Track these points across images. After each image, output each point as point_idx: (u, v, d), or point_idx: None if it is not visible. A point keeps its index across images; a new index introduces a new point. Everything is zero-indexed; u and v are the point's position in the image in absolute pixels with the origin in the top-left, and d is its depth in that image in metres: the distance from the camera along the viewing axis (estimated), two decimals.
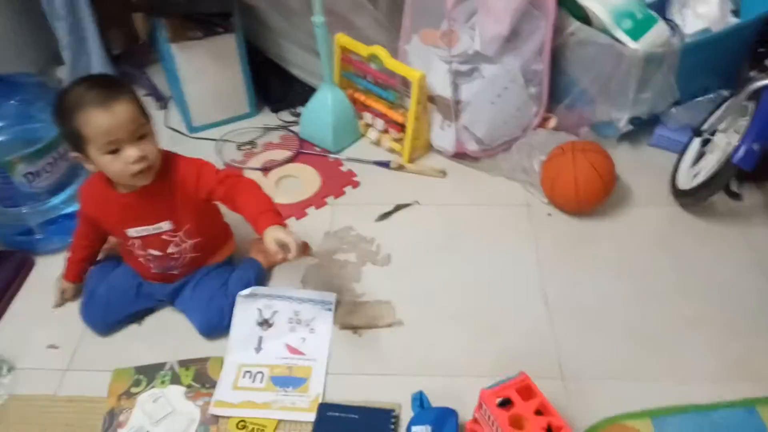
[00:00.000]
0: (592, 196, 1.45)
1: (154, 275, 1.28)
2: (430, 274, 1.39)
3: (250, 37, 1.78)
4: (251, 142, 1.78)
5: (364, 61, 1.66)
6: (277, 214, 1.16)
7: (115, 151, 1.05)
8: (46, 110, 1.35)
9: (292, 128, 1.83)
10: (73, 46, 1.79)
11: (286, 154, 1.74)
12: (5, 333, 1.31)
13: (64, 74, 1.86)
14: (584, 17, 1.58)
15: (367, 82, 1.70)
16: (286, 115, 1.88)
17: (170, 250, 1.23)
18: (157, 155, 1.11)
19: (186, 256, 1.26)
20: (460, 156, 1.66)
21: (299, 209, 1.56)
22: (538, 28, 1.57)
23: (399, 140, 1.68)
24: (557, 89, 1.67)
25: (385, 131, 1.71)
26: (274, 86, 1.90)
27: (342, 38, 1.66)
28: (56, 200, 1.42)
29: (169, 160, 1.17)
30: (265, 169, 1.68)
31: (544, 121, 1.69)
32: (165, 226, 1.19)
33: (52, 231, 1.45)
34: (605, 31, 1.54)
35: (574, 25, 1.57)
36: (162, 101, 1.90)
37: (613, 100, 1.60)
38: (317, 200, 1.59)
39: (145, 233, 1.19)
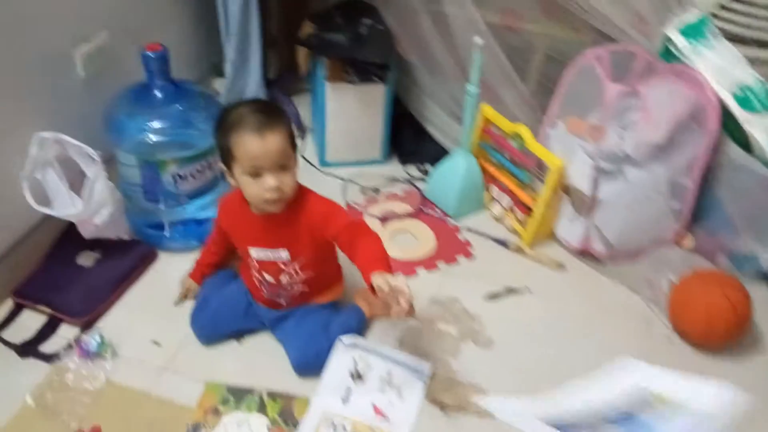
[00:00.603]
0: (722, 332, 1.35)
1: (263, 299, 1.31)
2: (531, 371, 1.33)
3: (396, 89, 1.84)
4: (375, 189, 1.81)
5: (504, 137, 1.66)
6: (390, 267, 1.16)
7: (256, 175, 1.11)
8: (205, 121, 1.45)
9: (417, 184, 1.84)
10: (236, 64, 1.91)
11: (407, 208, 1.75)
12: (115, 319, 1.37)
13: (221, 87, 1.99)
14: (745, 143, 1.50)
15: (502, 156, 1.69)
16: (412, 170, 1.91)
17: (282, 279, 1.26)
18: (292, 188, 1.15)
19: (296, 288, 1.28)
20: (582, 253, 1.61)
21: (409, 267, 1.56)
22: (693, 143, 1.51)
23: (522, 222, 1.65)
24: (700, 209, 1.59)
25: (510, 210, 1.69)
26: (408, 139, 1.93)
27: (488, 110, 1.67)
28: (193, 205, 1.50)
29: (303, 194, 1.21)
30: (384, 219, 1.70)
31: (680, 239, 1.61)
32: (283, 254, 1.22)
33: (180, 232, 1.53)
34: (766, 162, 1.46)
35: (733, 148, 1.50)
36: (301, 131, 1.99)
37: (761, 235, 1.50)
38: (429, 262, 1.58)
39: (263, 257, 1.23)
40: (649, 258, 1.58)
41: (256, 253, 1.23)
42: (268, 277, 1.26)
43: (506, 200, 1.68)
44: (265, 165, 1.10)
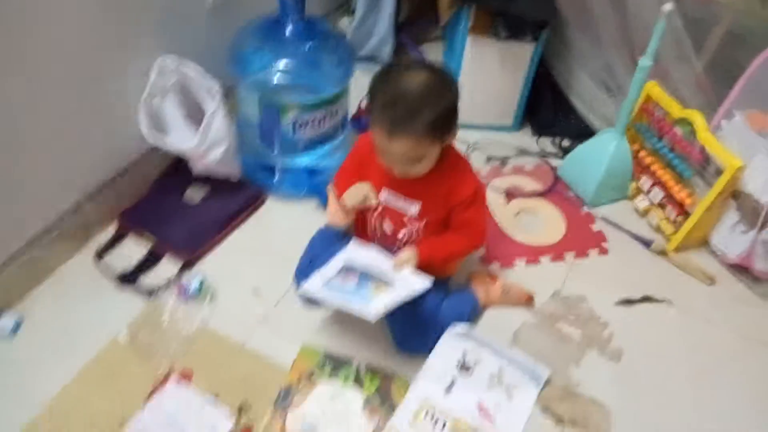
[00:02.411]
0: None
1: None
2: (664, 397, 1.15)
3: (544, 52, 1.62)
4: (503, 159, 1.63)
5: (669, 122, 1.42)
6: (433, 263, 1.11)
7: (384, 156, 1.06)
8: (334, 65, 1.34)
9: (551, 161, 1.65)
10: (368, 2, 1.77)
11: (536, 186, 1.57)
12: (218, 261, 1.31)
13: (347, 26, 1.86)
14: None
15: (662, 144, 1.46)
16: (547, 144, 1.71)
17: (400, 234, 1.16)
18: (424, 171, 1.07)
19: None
20: (739, 269, 1.38)
21: (533, 253, 1.39)
22: None
23: (673, 222, 1.43)
24: None
25: (660, 206, 1.46)
26: (546, 109, 1.73)
27: (653, 88, 1.44)
28: (307, 155, 1.40)
29: (459, 164, 1.13)
30: (509, 195, 1.53)
31: None
32: (413, 209, 1.12)
33: (289, 179, 1.44)
34: None
35: None
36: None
37: None
38: (556, 251, 1.41)
39: (393, 203, 1.13)
40: None
41: (386, 196, 1.13)
42: (387, 226, 1.16)
43: (657, 194, 1.46)
44: (394, 158, 1.04)
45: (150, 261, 1.28)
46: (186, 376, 1.09)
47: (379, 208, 1.15)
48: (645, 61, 1.30)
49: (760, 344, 1.26)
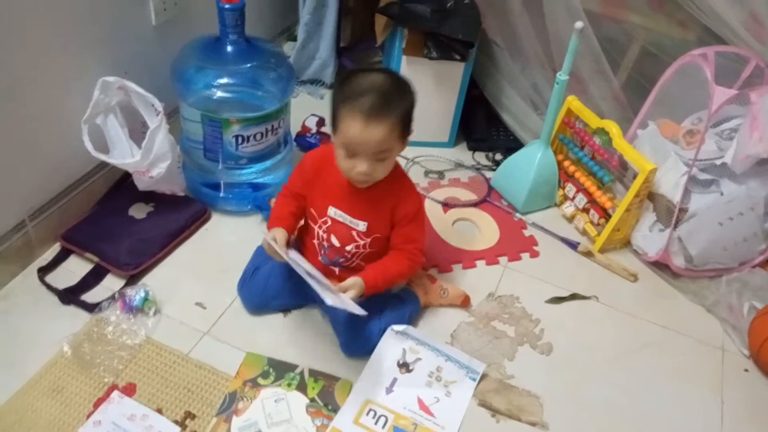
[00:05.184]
0: None
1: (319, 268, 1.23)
2: (591, 386, 1.23)
3: (474, 71, 1.73)
4: (440, 173, 1.71)
5: (588, 132, 1.54)
6: (372, 288, 1.15)
7: (351, 155, 1.06)
8: (275, 83, 1.39)
9: (484, 173, 1.74)
10: (310, 27, 1.84)
11: (472, 197, 1.65)
12: (163, 276, 1.33)
13: (290, 50, 1.92)
14: None
15: (583, 153, 1.57)
16: (481, 157, 1.80)
17: (348, 247, 1.19)
18: (384, 174, 1.11)
19: (355, 260, 1.22)
20: (659, 265, 1.48)
21: (470, 258, 1.47)
22: None
23: (596, 225, 1.53)
24: None
25: (584, 210, 1.57)
26: (479, 125, 1.82)
27: (573, 102, 1.55)
28: (251, 169, 1.44)
29: (401, 179, 1.19)
30: (446, 205, 1.61)
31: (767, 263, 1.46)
32: (361, 225, 1.17)
33: (235, 195, 1.47)
34: None
35: None
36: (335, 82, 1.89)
37: None
38: (490, 256, 1.48)
39: (341, 219, 1.17)
40: (731, 279, 1.44)
41: (335, 213, 1.17)
42: (335, 239, 1.20)
43: (581, 200, 1.56)
44: (361, 152, 1.05)
45: (94, 277, 1.28)
46: (129, 388, 1.10)
47: (328, 222, 1.19)
48: (562, 76, 1.41)
49: (677, 334, 1.36)
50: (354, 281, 1.12)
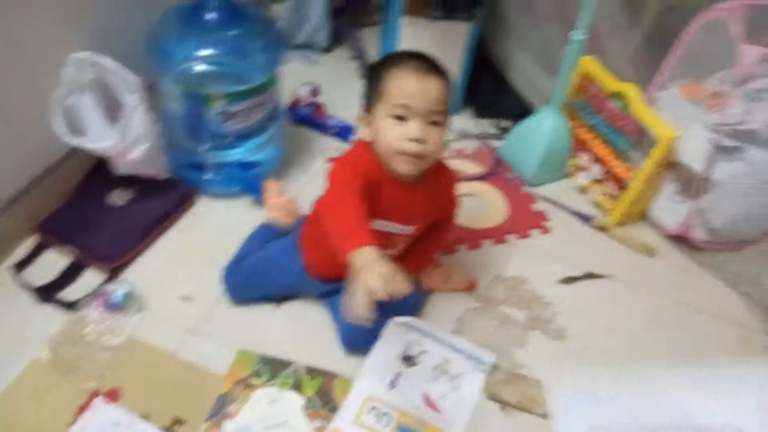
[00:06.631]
0: None
1: (319, 271, 1.14)
2: (607, 371, 1.14)
3: (482, 32, 1.59)
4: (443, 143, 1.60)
5: (604, 96, 1.41)
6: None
7: (401, 119, 0.96)
8: (262, 51, 1.27)
9: (491, 142, 1.62)
10: None
11: (477, 169, 1.54)
12: (145, 269, 1.24)
13: (280, 13, 1.79)
14: None
15: (599, 120, 1.45)
16: (488, 125, 1.68)
17: (387, 251, 1.05)
18: (436, 150, 0.99)
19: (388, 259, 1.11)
20: (679, 239, 1.38)
21: (474, 237, 1.37)
22: None
23: (612, 197, 1.43)
24: None
25: (599, 181, 1.46)
26: (486, 90, 1.70)
27: (589, 63, 1.42)
28: (239, 148, 1.33)
29: (442, 163, 1.10)
30: None
31: None
32: (409, 229, 1.07)
33: (221, 175, 1.37)
34: None
35: None
36: (365, 70, 1.77)
37: None
38: (497, 234, 1.39)
39: (385, 229, 1.04)
40: (756, 252, 1.35)
41: (379, 224, 1.03)
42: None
43: (596, 170, 1.45)
44: (418, 108, 0.94)
45: (72, 272, 1.20)
46: (113, 393, 1.03)
47: None
48: (576, 35, 1.28)
49: (697, 312, 1.28)
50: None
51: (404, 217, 1.05)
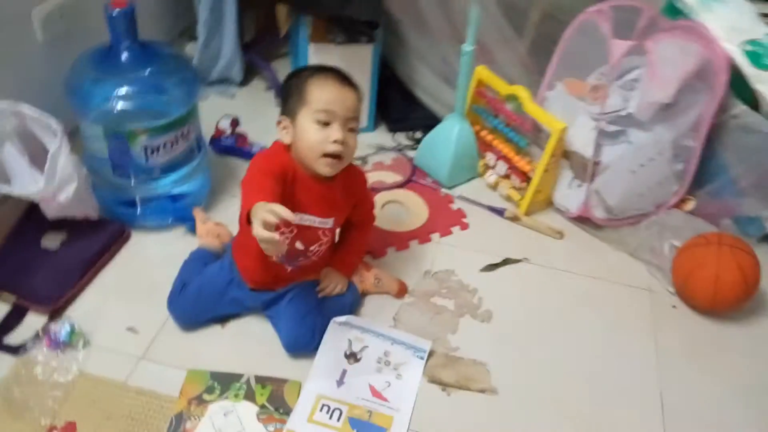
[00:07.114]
0: (731, 298, 1.30)
1: (257, 280, 1.20)
2: (534, 345, 1.27)
3: (383, 52, 1.72)
4: (363, 159, 1.71)
5: (500, 100, 1.57)
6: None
7: (325, 124, 1.07)
8: (178, 86, 1.33)
9: (407, 153, 1.75)
10: (209, 24, 1.78)
11: (397, 178, 1.65)
12: (87, 304, 1.26)
13: (192, 51, 1.85)
14: (752, 102, 1.43)
15: (498, 121, 1.60)
16: (402, 138, 1.81)
17: (313, 247, 1.18)
18: (351, 153, 1.12)
19: (315, 257, 1.21)
20: (582, 220, 1.54)
21: (402, 240, 1.47)
22: (698, 103, 1.43)
23: (519, 189, 1.57)
24: (703, 171, 1.52)
25: (506, 177, 1.60)
26: (396, 105, 1.83)
27: (482, 71, 1.57)
28: (166, 180, 1.38)
29: (351, 164, 1.20)
30: (373, 190, 1.60)
31: (682, 202, 1.54)
32: (329, 222, 1.17)
33: (152, 209, 1.41)
34: None
35: (740, 108, 1.42)
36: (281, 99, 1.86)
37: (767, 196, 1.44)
38: (422, 234, 1.49)
39: (308, 223, 1.14)
40: (650, 222, 1.52)
41: (300, 218, 1.11)
42: (299, 244, 1.16)
43: (502, 167, 1.60)
44: (339, 114, 1.07)
45: (15, 317, 1.20)
46: (69, 428, 1.04)
47: (294, 230, 1.14)
48: (467, 47, 1.42)
49: (607, 282, 1.42)
50: (337, 280, 1.25)
51: (322, 210, 1.15)
